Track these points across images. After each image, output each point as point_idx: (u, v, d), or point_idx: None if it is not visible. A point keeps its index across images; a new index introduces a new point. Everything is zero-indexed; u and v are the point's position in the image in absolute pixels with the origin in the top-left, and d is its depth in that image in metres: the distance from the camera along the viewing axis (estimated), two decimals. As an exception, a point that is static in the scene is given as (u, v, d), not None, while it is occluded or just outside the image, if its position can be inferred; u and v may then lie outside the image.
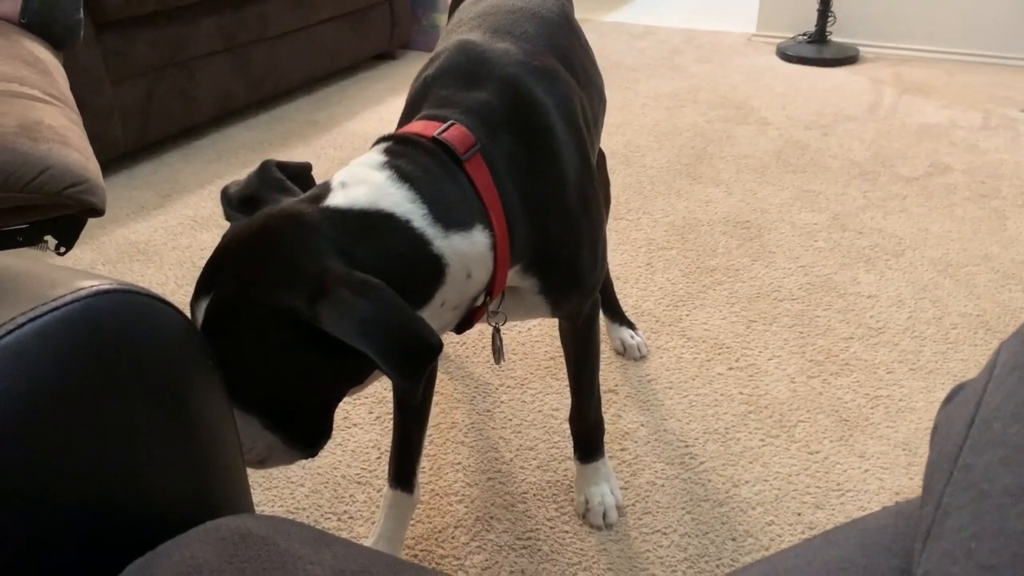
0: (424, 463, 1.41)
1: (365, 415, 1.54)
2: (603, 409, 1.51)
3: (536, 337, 1.73)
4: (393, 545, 1.20)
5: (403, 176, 0.80)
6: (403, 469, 1.20)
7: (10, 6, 1.62)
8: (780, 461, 1.40)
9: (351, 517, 1.31)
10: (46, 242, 1.18)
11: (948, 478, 0.43)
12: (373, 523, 1.30)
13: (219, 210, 2.30)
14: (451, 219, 0.80)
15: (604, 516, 1.28)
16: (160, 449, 0.57)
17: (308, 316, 0.68)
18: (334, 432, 1.49)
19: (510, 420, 1.51)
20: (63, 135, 1.10)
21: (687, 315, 1.81)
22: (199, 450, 0.60)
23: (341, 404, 1.55)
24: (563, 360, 1.66)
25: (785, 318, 1.78)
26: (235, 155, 2.69)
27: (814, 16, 3.60)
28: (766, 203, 2.30)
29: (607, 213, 1.60)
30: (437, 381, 1.61)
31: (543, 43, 1.03)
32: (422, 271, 0.78)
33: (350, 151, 2.68)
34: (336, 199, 0.77)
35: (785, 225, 2.18)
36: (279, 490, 1.37)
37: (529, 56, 0.97)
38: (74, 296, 0.52)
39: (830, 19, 3.56)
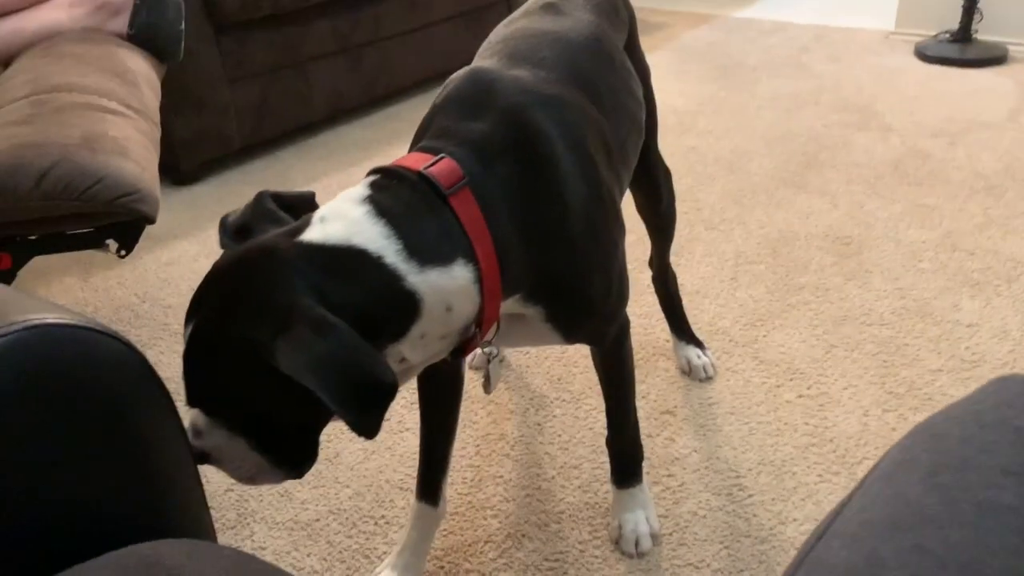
0: (467, 474, 1.43)
1: (417, 421, 1.56)
2: (657, 432, 1.48)
3: (600, 351, 1.71)
4: (417, 556, 1.22)
5: (381, 211, 0.80)
6: (428, 483, 1.21)
7: (120, 23, 1.74)
8: (835, 500, 1.32)
9: (387, 522, 1.34)
10: (108, 245, 1.27)
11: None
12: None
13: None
14: (428, 254, 0.80)
15: (637, 544, 1.25)
16: (97, 474, 0.60)
17: (267, 351, 0.70)
18: (383, 436, 1.53)
19: (559, 436, 1.50)
20: (124, 147, 1.17)
21: (764, 336, 1.73)
22: (141, 476, 0.63)
23: (396, 408, 1.59)
24: (623, 377, 1.63)
25: (870, 344, 1.68)
26: (345, 153, 2.78)
27: (958, 13, 3.34)
28: (872, 217, 2.16)
29: (671, 231, 1.56)
30: (494, 391, 1.62)
31: (561, 69, 1.01)
32: (396, 306, 0.79)
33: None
34: (312, 234, 0.78)
35: (889, 242, 2.04)
36: (325, 489, 1.42)
37: (539, 84, 0.95)
38: (6, 329, 0.55)
39: (976, 16, 3.30)
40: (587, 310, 1.00)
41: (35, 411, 0.57)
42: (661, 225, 1.53)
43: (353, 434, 1.52)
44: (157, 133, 1.44)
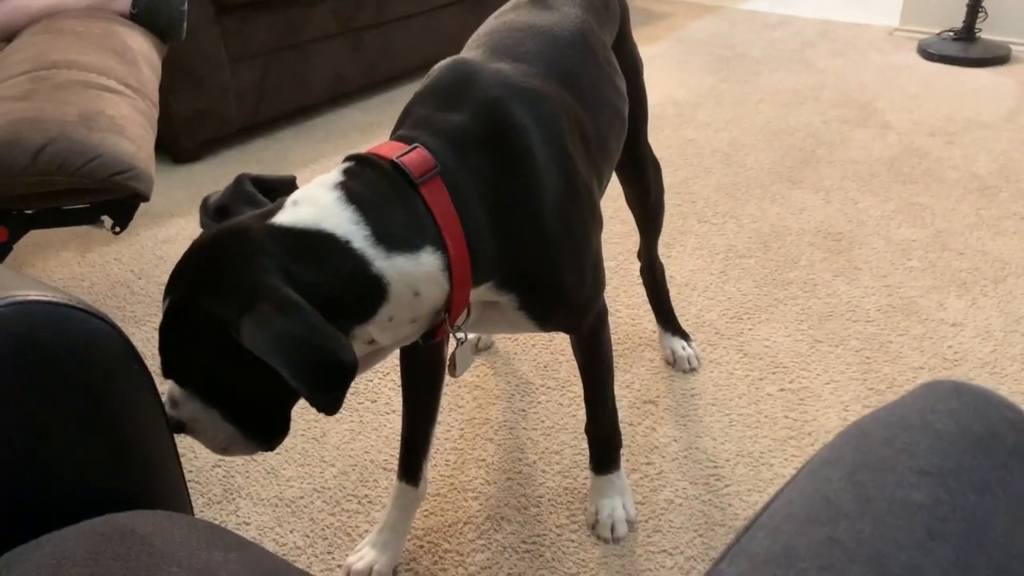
0: (451, 456, 1.45)
1: (406, 403, 1.59)
2: (639, 420, 1.50)
3: (587, 339, 1.73)
4: (396, 534, 1.25)
5: (352, 197, 0.82)
6: (409, 463, 1.24)
7: (124, 2, 1.75)
8: (810, 493, 1.34)
9: (370, 502, 1.37)
10: (103, 221, 1.29)
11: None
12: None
13: (316, 189, 2.41)
14: (396, 240, 0.82)
15: (612, 529, 1.28)
16: (75, 448, 0.62)
17: (233, 328, 0.72)
18: (371, 417, 1.55)
19: (542, 422, 1.52)
20: (120, 125, 1.19)
21: (749, 329, 1.75)
22: (119, 450, 0.65)
23: (383, 390, 1.61)
24: (609, 365, 1.65)
25: (854, 341, 1.70)
26: (344, 136, 2.80)
27: (963, 11, 3.34)
28: (865, 214, 2.18)
29: (659, 223, 1.57)
30: (480, 375, 1.64)
31: (543, 63, 1.03)
32: (362, 289, 0.81)
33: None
34: (283, 217, 0.81)
35: (879, 240, 2.06)
36: (310, 467, 1.44)
37: (519, 77, 0.97)
38: (-14, 304, 0.58)
39: (981, 15, 3.30)
40: (559, 300, 1.02)
41: (15, 385, 0.59)
42: (648, 216, 1.55)
43: (340, 414, 1.55)
44: (155, 112, 1.46)
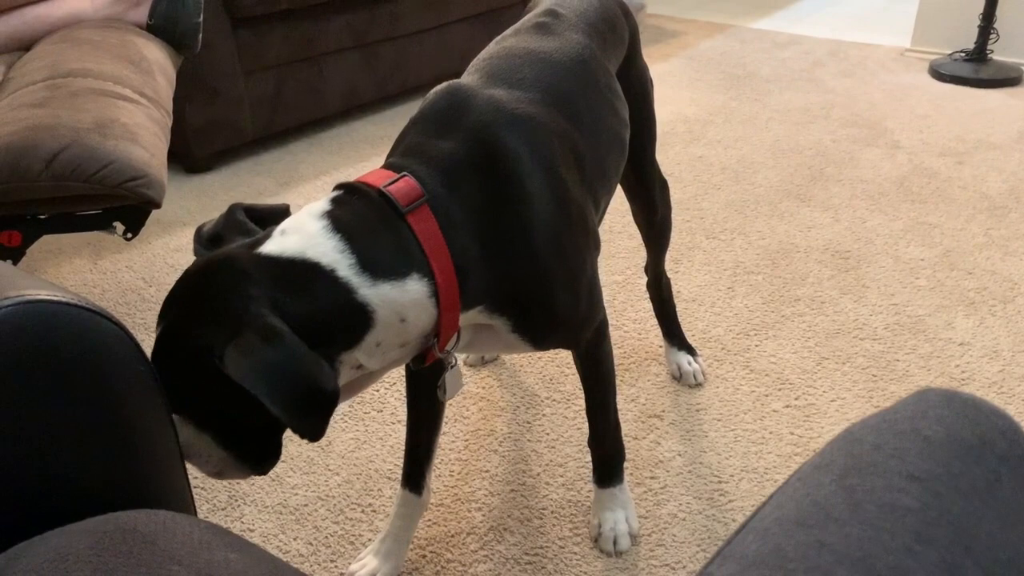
0: (455, 467, 1.46)
1: (411, 413, 1.59)
2: (643, 435, 1.51)
3: (593, 353, 1.73)
4: (399, 543, 1.25)
5: (338, 227, 0.84)
6: (412, 472, 1.24)
7: (141, 13, 1.78)
8: (813, 510, 1.34)
9: (374, 511, 1.37)
10: (115, 228, 1.31)
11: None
12: (394, 519, 1.35)
13: (327, 201, 2.43)
14: (381, 268, 0.84)
15: (615, 543, 1.28)
16: (81, 447, 0.63)
17: (217, 356, 0.74)
18: (376, 426, 1.56)
19: (547, 434, 1.53)
20: (134, 133, 1.21)
21: (756, 345, 1.75)
22: (124, 451, 0.66)
23: (389, 399, 1.62)
24: (615, 377, 1.66)
25: (861, 358, 1.70)
26: (356, 148, 2.82)
27: (975, 32, 3.35)
28: (873, 233, 2.18)
29: (666, 241, 1.58)
30: (485, 387, 1.65)
31: (539, 89, 1.04)
32: (348, 316, 0.82)
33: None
34: (270, 246, 0.82)
35: (888, 259, 2.06)
36: (315, 475, 1.45)
37: (513, 103, 0.98)
38: (1, 304, 0.59)
39: (992, 36, 3.31)
40: (553, 322, 1.03)
41: (23, 383, 0.60)
42: (655, 234, 1.55)
43: (346, 423, 1.55)
44: (168, 121, 1.48)
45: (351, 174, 2.60)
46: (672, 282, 1.66)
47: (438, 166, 0.91)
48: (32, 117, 1.20)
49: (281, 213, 0.91)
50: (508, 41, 1.16)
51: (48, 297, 0.62)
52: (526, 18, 1.25)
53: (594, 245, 1.07)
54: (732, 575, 0.38)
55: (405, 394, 1.63)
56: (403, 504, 1.25)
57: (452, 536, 1.32)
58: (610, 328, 1.78)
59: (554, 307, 1.00)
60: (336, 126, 3.00)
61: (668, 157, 2.64)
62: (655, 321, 1.68)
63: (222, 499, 1.41)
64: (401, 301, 0.85)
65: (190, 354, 0.77)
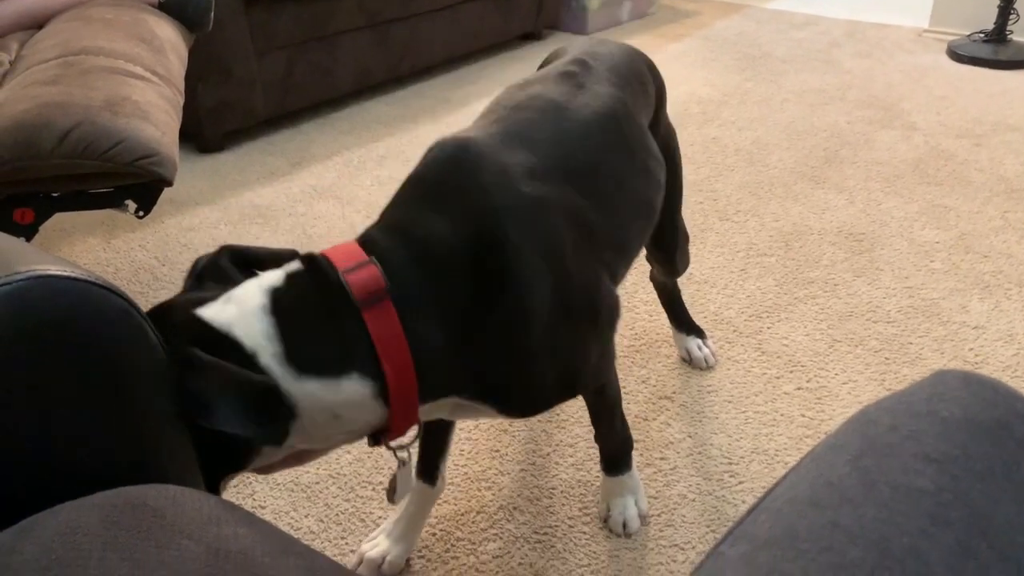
0: (465, 446, 1.46)
1: (422, 393, 1.60)
2: (654, 416, 1.50)
3: (605, 334, 1.73)
4: (412, 527, 1.25)
5: (277, 308, 0.78)
6: (426, 462, 1.24)
7: (153, -9, 1.77)
8: (824, 492, 1.34)
9: (384, 489, 1.38)
10: (127, 205, 1.31)
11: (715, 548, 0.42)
12: (403, 498, 1.35)
13: (339, 181, 2.43)
14: (311, 363, 0.78)
15: (624, 526, 1.28)
16: (90, 423, 0.63)
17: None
18: (387, 406, 1.56)
19: (557, 415, 1.52)
20: (146, 111, 1.21)
21: (768, 327, 1.74)
22: (133, 427, 0.66)
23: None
24: (626, 362, 1.65)
25: (873, 341, 1.69)
26: (367, 129, 2.81)
27: (994, 12, 3.30)
28: (888, 216, 2.16)
29: (685, 265, 1.53)
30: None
31: (556, 156, 0.96)
32: (265, 404, 0.77)
33: (474, 131, 2.74)
34: (209, 311, 0.78)
35: (902, 241, 2.04)
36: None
37: (523, 179, 0.91)
38: (8, 279, 0.59)
39: (1012, 16, 3.26)
40: (544, 405, 0.99)
41: (33, 358, 0.60)
42: (671, 276, 1.58)
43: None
44: (180, 100, 1.48)
45: (363, 154, 2.60)
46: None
47: (421, 252, 0.84)
48: (44, 95, 1.20)
49: (281, 258, 0.86)
50: (533, 88, 1.07)
51: (58, 272, 0.61)
52: (554, 64, 1.16)
53: (606, 324, 1.00)
54: (744, 555, 0.38)
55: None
56: (417, 492, 1.25)
57: (462, 514, 1.32)
58: (623, 311, 1.78)
59: (547, 397, 0.96)
60: (348, 106, 2.99)
61: (682, 138, 2.62)
62: (667, 303, 1.68)
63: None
64: (331, 400, 0.79)
65: None
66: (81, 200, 1.29)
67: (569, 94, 1.06)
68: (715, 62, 3.37)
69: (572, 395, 1.00)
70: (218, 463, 0.81)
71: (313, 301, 0.80)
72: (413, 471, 1.07)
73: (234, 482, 1.41)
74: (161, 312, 0.79)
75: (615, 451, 1.28)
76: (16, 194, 1.25)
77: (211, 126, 2.57)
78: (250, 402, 0.74)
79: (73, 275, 0.62)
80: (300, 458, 0.89)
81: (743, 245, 2.05)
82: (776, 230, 2.11)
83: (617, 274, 1.07)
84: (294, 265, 0.83)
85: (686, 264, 1.53)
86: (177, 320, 0.78)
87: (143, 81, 1.29)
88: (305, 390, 0.78)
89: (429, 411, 0.91)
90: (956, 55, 3.31)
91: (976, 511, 0.37)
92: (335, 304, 0.80)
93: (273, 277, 0.82)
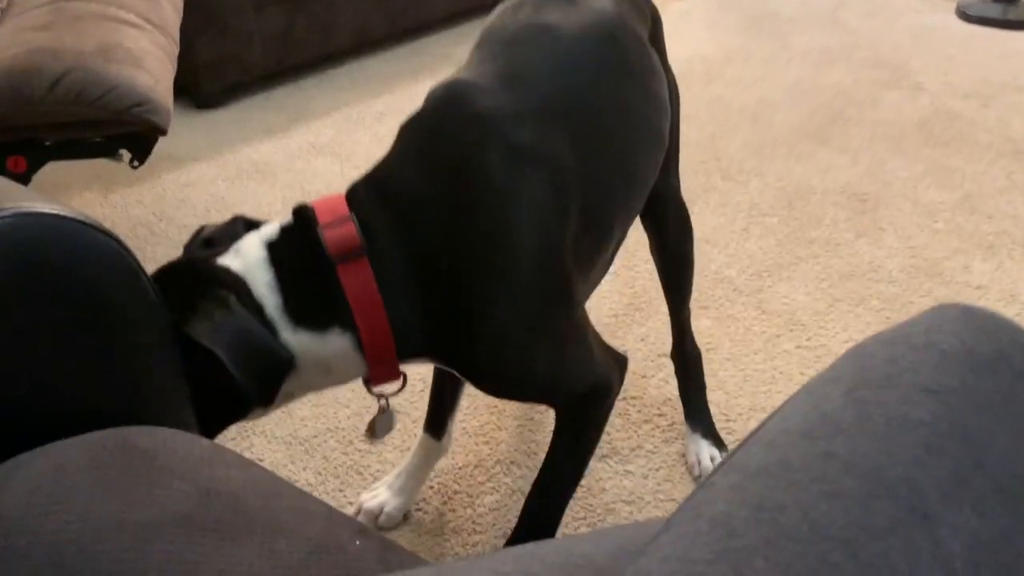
0: (464, 402, 1.44)
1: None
2: (652, 373, 1.50)
3: (604, 292, 1.72)
4: (414, 481, 1.25)
5: (274, 261, 0.82)
6: (434, 417, 1.24)
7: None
8: (822, 449, 1.34)
9: (382, 443, 1.38)
10: (121, 155, 1.29)
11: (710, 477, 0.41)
12: (402, 451, 1.36)
13: (337, 137, 2.41)
14: (303, 316, 0.82)
15: None
16: (79, 363, 0.63)
17: (183, 322, 0.75)
18: (385, 361, 1.56)
19: (556, 371, 1.52)
20: (138, 58, 1.19)
21: (769, 286, 1.73)
22: (123, 368, 0.66)
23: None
24: (626, 320, 1.65)
25: (875, 300, 1.68)
26: (366, 85, 2.78)
27: (1005, -28, 3.24)
28: (892, 176, 2.14)
29: (684, 283, 1.33)
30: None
31: (549, 95, 0.91)
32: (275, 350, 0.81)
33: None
34: (226, 259, 0.83)
35: (906, 201, 2.02)
36: (325, 408, 1.46)
37: (512, 123, 0.86)
38: (-3, 214, 0.58)
39: (1023, -24, 3.20)
40: (520, 385, 0.95)
41: (21, 296, 0.59)
42: (670, 271, 1.31)
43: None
44: (174, 49, 1.46)
45: (361, 111, 2.57)
46: (701, 353, 1.40)
47: (399, 208, 0.84)
48: (35, 40, 1.19)
49: None
50: (526, 12, 1.00)
51: (44, 210, 0.61)
52: None
53: (571, 302, 0.93)
54: (735, 485, 0.37)
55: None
56: (422, 446, 1.25)
57: (460, 468, 1.33)
58: (622, 269, 1.77)
59: (519, 375, 0.92)
60: (347, 63, 2.95)
61: (685, 97, 2.57)
62: (667, 260, 1.66)
63: (231, 429, 1.41)
64: (321, 353, 0.83)
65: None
66: (74, 148, 1.28)
67: (565, 16, 0.99)
68: (720, 22, 3.32)
69: (538, 389, 0.96)
70: (217, 412, 0.83)
71: (299, 256, 0.83)
72: (394, 414, 1.06)
73: (232, 435, 1.41)
74: (186, 263, 0.83)
75: (525, 536, 1.04)
76: (8, 142, 1.24)
77: (208, 81, 2.54)
78: (265, 359, 0.78)
79: (61, 213, 0.61)
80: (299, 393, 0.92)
81: (745, 205, 2.03)
82: (779, 189, 2.09)
83: (628, 210, 1.03)
84: (285, 220, 0.86)
85: (684, 239, 1.29)
86: (207, 267, 0.82)
87: (136, 28, 1.27)
88: (300, 341, 0.82)
89: (413, 366, 0.92)
90: (965, 15, 3.26)
91: (972, 442, 0.37)
92: (316, 260, 0.82)
93: (269, 231, 0.85)
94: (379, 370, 0.86)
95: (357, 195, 0.86)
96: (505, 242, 0.85)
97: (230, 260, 0.83)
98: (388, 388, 0.93)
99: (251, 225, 0.89)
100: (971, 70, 2.79)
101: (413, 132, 0.89)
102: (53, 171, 1.62)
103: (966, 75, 2.75)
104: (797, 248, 1.85)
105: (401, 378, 0.91)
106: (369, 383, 0.91)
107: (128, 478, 0.56)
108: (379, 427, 1.05)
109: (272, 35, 2.61)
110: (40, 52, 1.15)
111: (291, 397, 0.89)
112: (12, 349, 0.60)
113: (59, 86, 1.11)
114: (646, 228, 1.26)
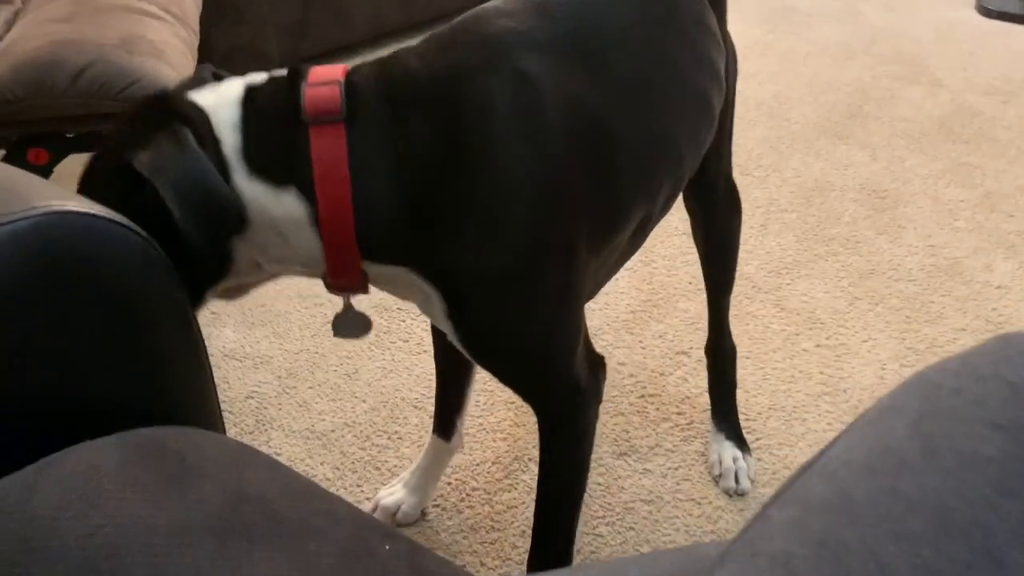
0: (481, 398, 1.45)
1: (437, 343, 1.59)
2: (671, 371, 1.49)
3: (621, 288, 1.71)
4: (427, 479, 1.25)
5: (247, 103, 0.78)
6: (442, 419, 1.23)
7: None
8: (842, 449, 1.33)
9: (400, 438, 1.38)
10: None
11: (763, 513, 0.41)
12: (419, 446, 1.35)
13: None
14: (261, 165, 0.77)
15: None
16: (107, 359, 0.62)
17: (131, 157, 0.72)
18: (403, 356, 1.55)
19: (574, 367, 1.51)
20: (160, 50, 1.19)
21: (788, 284, 1.72)
22: (152, 366, 0.66)
23: (415, 330, 1.61)
24: (643, 316, 1.64)
25: (895, 299, 1.66)
26: (383, 76, 2.77)
27: (1027, -34, 3.20)
28: (912, 173, 2.12)
29: (726, 275, 1.28)
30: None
31: (586, 30, 0.86)
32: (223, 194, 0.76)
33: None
34: (197, 95, 0.79)
35: (926, 199, 2.00)
36: (342, 402, 1.45)
37: (531, 50, 0.82)
38: (26, 214, 0.57)
39: (1045, -30, 3.17)
40: (504, 346, 0.87)
41: (52, 294, 0.59)
42: (713, 258, 1.25)
43: (372, 352, 1.55)
44: (195, 41, 1.45)
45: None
46: (736, 350, 1.35)
47: (392, 88, 0.79)
48: (57, 32, 1.18)
49: None
50: None
51: (76, 208, 0.60)
52: None
53: (576, 279, 0.86)
54: (794, 519, 0.37)
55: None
56: (432, 447, 1.24)
57: (477, 465, 1.32)
58: (639, 265, 1.76)
59: (501, 308, 0.84)
60: (363, 53, 2.94)
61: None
62: (685, 257, 1.66)
63: (249, 423, 1.42)
64: (274, 212, 0.77)
65: (110, 172, 0.76)
66: (96, 141, 1.27)
67: None
68: (736, 14, 3.28)
69: (523, 353, 0.88)
70: (196, 272, 0.77)
71: (275, 107, 0.78)
72: (363, 315, 0.96)
73: (249, 428, 1.41)
74: (155, 96, 0.80)
75: (545, 564, 1.00)
76: (31, 134, 1.24)
77: (225, 71, 2.53)
78: (211, 199, 0.73)
79: (91, 212, 0.61)
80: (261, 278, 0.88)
81: (763, 201, 2.01)
82: (797, 186, 2.08)
83: (653, 183, 0.92)
84: (283, 71, 0.81)
85: (731, 224, 1.22)
86: (169, 101, 0.78)
87: (158, 20, 1.27)
88: (253, 191, 0.77)
89: (382, 277, 0.84)
90: (985, 9, 3.22)
91: (1044, 479, 0.36)
92: (291, 114, 0.77)
93: (257, 77, 0.81)
94: (336, 257, 0.79)
95: (359, 70, 0.81)
96: (493, 165, 0.79)
97: (202, 96, 0.79)
98: (352, 299, 0.90)
99: (217, 75, 0.85)
100: (991, 66, 2.76)
101: (432, 40, 0.86)
102: (73, 162, 1.62)
103: (986, 71, 2.72)
104: (816, 245, 1.84)
105: (362, 280, 0.83)
106: (327, 279, 0.83)
107: (159, 480, 0.56)
108: (340, 326, 0.96)
109: (287, 25, 2.60)
110: (63, 44, 1.14)
111: (256, 269, 0.83)
112: (44, 346, 0.60)
113: (82, 78, 1.11)
114: (689, 211, 1.20)
